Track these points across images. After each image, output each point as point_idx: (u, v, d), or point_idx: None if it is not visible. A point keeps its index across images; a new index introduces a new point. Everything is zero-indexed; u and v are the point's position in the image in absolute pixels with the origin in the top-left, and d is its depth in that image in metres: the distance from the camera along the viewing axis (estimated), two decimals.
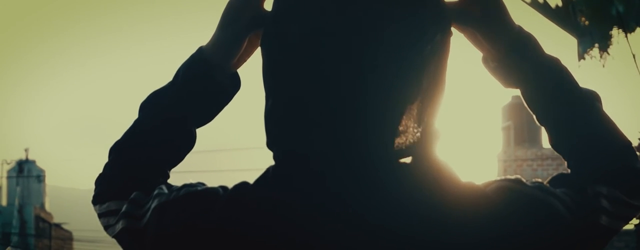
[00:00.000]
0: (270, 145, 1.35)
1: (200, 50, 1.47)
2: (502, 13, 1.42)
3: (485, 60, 1.47)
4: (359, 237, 1.26)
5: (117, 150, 1.50)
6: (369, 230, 1.26)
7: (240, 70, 1.51)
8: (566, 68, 1.45)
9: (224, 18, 1.44)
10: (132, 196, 1.41)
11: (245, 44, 1.45)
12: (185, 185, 1.39)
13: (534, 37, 1.44)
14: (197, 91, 1.46)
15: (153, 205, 1.36)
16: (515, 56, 1.42)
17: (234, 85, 1.50)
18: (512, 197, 1.31)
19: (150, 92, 1.51)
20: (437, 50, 1.33)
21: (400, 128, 1.30)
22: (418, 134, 1.32)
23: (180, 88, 1.47)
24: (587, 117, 1.43)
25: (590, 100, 1.44)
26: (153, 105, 1.49)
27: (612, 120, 1.44)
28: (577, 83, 1.45)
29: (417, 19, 1.31)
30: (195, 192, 1.36)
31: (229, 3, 1.44)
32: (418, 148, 1.32)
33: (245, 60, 1.49)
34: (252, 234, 1.28)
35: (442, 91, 1.35)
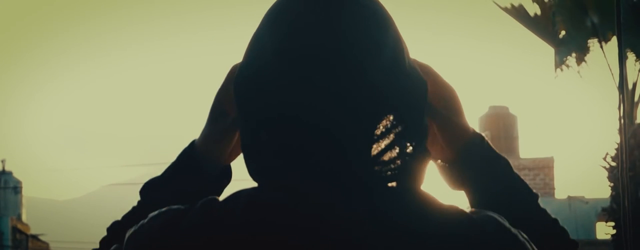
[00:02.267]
0: (251, 175, 1.35)
1: (192, 144, 1.48)
2: (461, 110, 1.45)
3: (434, 158, 1.48)
4: None
5: (114, 231, 1.51)
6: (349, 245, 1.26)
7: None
8: (514, 171, 1.48)
9: (211, 112, 1.45)
10: (112, 248, 1.40)
11: (236, 137, 1.45)
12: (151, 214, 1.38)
13: (486, 140, 1.46)
14: (187, 185, 1.47)
15: (126, 239, 1.35)
16: (466, 160, 1.44)
17: (225, 178, 1.50)
18: (499, 229, 1.30)
19: (148, 180, 1.53)
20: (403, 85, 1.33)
21: (375, 155, 1.30)
22: (399, 164, 1.31)
23: (172, 180, 1.49)
24: (532, 217, 1.46)
25: (535, 200, 1.49)
26: (149, 193, 1.51)
27: (548, 214, 1.49)
28: (523, 183, 1.48)
29: (377, 53, 1.31)
30: (160, 213, 1.34)
31: (215, 96, 1.45)
32: (401, 176, 1.31)
33: (238, 153, 1.48)
34: (222, 246, 1.27)
35: (422, 128, 1.35)
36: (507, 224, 1.32)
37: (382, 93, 1.29)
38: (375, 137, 1.29)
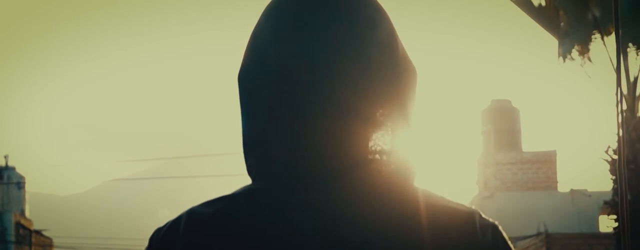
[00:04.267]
0: (247, 171, 1.39)
1: None
2: None
3: None
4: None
5: None
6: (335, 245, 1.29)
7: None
8: None
9: None
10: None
11: None
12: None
13: None
14: None
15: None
16: None
17: None
18: (486, 221, 1.37)
19: None
20: (389, 80, 1.36)
21: (366, 142, 1.33)
22: (388, 150, 1.34)
23: None
24: None
25: None
26: None
27: None
28: None
29: (365, 48, 1.34)
30: (150, 238, 1.40)
31: None
32: (390, 162, 1.34)
33: None
34: None
35: (409, 114, 1.38)
36: (488, 218, 1.38)
37: (375, 78, 1.33)
38: (367, 123, 1.33)
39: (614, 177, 13.72)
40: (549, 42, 14.81)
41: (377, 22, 1.37)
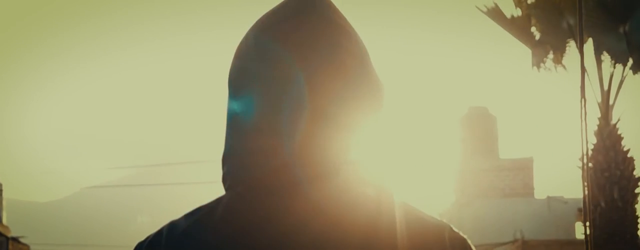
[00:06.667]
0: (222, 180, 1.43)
1: None
2: None
3: None
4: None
5: None
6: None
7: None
8: None
9: None
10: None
11: None
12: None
13: None
14: None
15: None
16: None
17: None
18: (453, 232, 1.39)
19: None
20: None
21: (334, 151, 1.37)
22: (356, 160, 1.38)
23: None
24: None
25: None
26: None
27: None
28: None
29: (339, 55, 1.39)
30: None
31: None
32: (365, 181, 1.39)
33: None
34: None
35: (379, 128, 1.43)
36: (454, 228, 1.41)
37: (350, 85, 1.38)
38: (342, 130, 1.37)
39: (586, 184, 13.77)
40: (526, 48, 14.89)
41: (350, 33, 1.42)
